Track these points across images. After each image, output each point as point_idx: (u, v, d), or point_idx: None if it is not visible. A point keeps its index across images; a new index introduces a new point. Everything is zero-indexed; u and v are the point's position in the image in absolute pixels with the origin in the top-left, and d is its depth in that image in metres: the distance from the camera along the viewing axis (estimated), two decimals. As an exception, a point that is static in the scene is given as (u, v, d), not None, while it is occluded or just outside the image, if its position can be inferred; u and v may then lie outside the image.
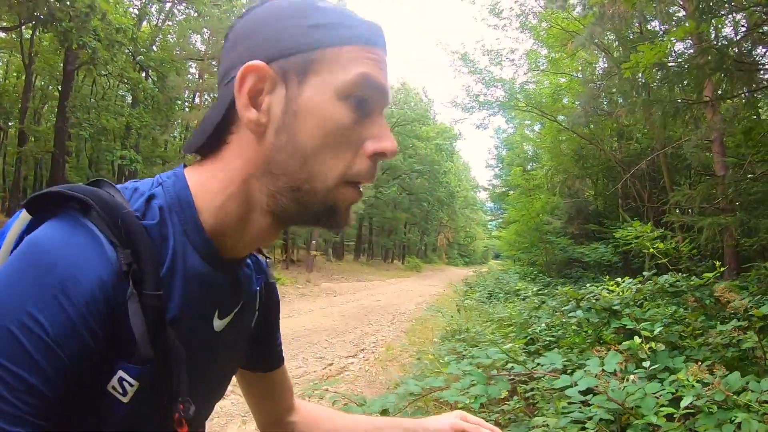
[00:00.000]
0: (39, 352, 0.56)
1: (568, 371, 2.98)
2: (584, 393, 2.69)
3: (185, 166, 0.81)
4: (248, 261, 0.92)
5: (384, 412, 2.99)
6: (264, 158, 0.75)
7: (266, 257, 1.03)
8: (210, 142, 0.79)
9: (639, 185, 14.73)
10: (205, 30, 26.26)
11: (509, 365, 3.45)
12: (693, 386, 2.46)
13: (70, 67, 19.90)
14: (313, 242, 30.28)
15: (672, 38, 7.38)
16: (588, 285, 5.15)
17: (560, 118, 18.61)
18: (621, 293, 4.50)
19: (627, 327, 3.90)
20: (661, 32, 11.23)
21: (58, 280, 0.59)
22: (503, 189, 39.33)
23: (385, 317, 14.62)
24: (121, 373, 0.64)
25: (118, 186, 0.75)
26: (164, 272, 0.70)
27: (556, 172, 20.41)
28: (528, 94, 20.80)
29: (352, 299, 19.48)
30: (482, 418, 2.90)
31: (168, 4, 25.84)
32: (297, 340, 10.40)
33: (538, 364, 3.22)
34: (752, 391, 2.33)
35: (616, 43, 13.23)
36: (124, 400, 0.65)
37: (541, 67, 20.76)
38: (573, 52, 15.69)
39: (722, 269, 4.35)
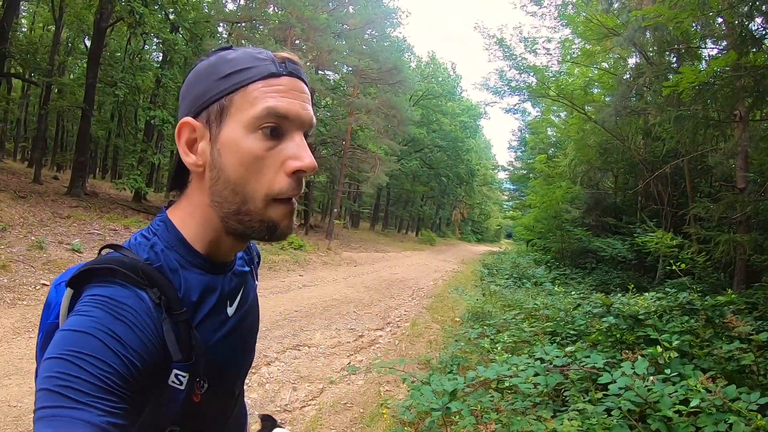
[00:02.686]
0: (116, 347, 0.77)
1: (607, 369, 3.55)
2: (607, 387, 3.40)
3: (166, 208, 1.04)
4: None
5: (452, 393, 3.52)
6: (209, 191, 0.94)
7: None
8: (181, 182, 1.02)
9: (661, 187, 14.90)
10: None
11: (557, 359, 3.96)
12: (699, 391, 3.18)
13: (104, 24, 19.53)
14: (335, 210, 30.54)
15: (714, 67, 7.71)
16: (619, 295, 5.69)
17: (588, 108, 18.65)
18: (645, 305, 5.12)
19: (650, 336, 4.52)
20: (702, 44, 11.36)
21: (122, 312, 0.81)
22: (523, 171, 39.30)
23: (405, 291, 15.26)
24: (175, 371, 0.88)
25: (126, 244, 0.97)
26: (182, 293, 0.93)
27: (579, 162, 20.29)
28: (560, 83, 20.75)
29: (372, 270, 20.12)
30: (528, 401, 3.64)
31: None
32: (328, 310, 11.05)
33: (580, 361, 3.80)
34: (743, 401, 3.04)
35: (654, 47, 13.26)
36: (182, 387, 0.90)
37: (574, 56, 20.65)
38: (609, 48, 15.88)
39: (733, 296, 4.91)
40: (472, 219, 78.83)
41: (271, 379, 6.46)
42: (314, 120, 0.98)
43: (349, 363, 7.64)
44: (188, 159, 0.95)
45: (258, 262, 1.34)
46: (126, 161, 24.04)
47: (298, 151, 0.92)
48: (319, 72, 30.49)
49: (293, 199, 0.95)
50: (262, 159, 0.90)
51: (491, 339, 6.90)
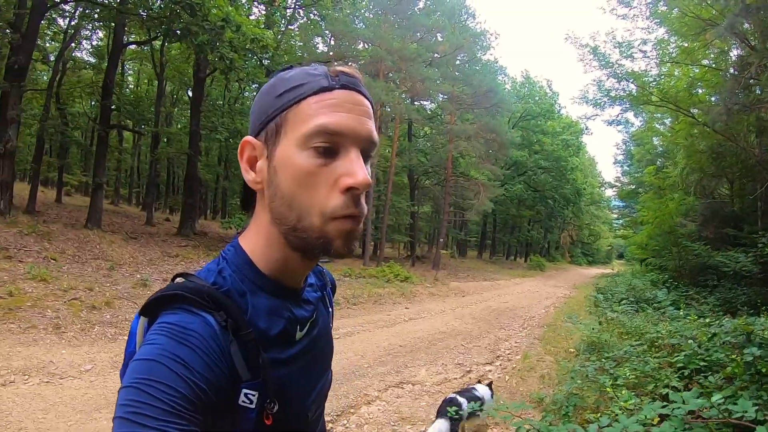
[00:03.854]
0: (182, 372, 0.78)
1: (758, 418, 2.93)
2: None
3: (239, 234, 1.07)
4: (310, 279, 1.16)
5: None
6: (269, 209, 0.96)
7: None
8: (250, 204, 1.05)
9: None
10: (327, 32, 27.17)
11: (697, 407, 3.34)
12: None
13: (201, 74, 21.36)
14: (441, 240, 30.31)
15: None
16: (762, 319, 4.89)
17: (694, 111, 17.58)
18: None
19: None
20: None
21: (187, 338, 0.83)
22: (632, 186, 37.76)
23: (515, 321, 14.61)
24: (245, 391, 0.89)
25: (197, 272, 0.99)
26: (249, 316, 0.94)
27: (691, 170, 19.15)
28: (661, 87, 19.69)
29: (480, 300, 19.51)
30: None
31: (290, 10, 26.71)
32: (434, 344, 10.64)
33: (729, 410, 3.12)
34: None
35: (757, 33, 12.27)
36: (252, 406, 0.90)
37: (672, 56, 19.42)
38: (708, 42, 14.89)
39: None
40: (582, 241, 76.38)
41: (371, 420, 6.14)
42: (375, 135, 0.95)
43: (455, 401, 7.21)
44: (248, 176, 0.99)
45: (333, 290, 1.35)
46: (232, 201, 25.20)
47: (351, 168, 0.90)
48: (415, 102, 30.63)
49: (357, 218, 0.92)
50: (314, 175, 0.90)
51: (610, 374, 6.23)
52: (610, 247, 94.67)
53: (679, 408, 3.04)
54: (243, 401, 0.90)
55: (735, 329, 5.04)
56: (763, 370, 4.24)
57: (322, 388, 1.18)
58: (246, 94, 31.61)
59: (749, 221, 16.34)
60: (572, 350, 10.27)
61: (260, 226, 1.00)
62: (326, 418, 5.80)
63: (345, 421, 5.95)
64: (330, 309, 1.27)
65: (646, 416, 3.12)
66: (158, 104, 25.11)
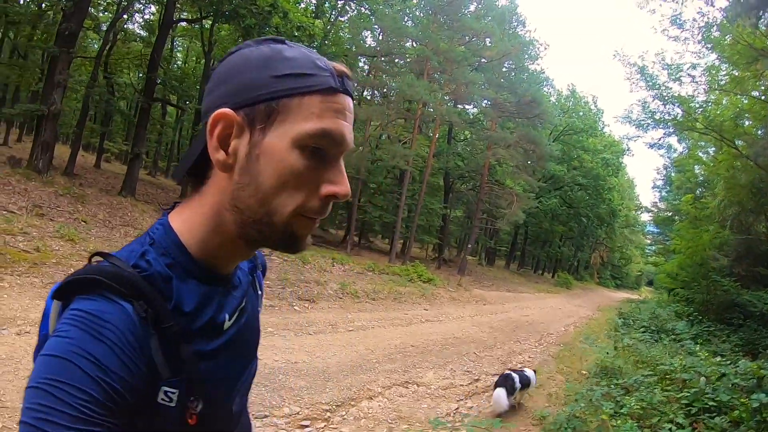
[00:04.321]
0: (95, 373, 0.71)
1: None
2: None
3: (168, 211, 0.96)
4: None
5: None
6: (231, 195, 0.86)
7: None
8: (195, 176, 0.92)
9: None
10: (376, 27, 27.01)
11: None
12: None
13: None
14: (469, 246, 30.15)
15: None
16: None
17: (739, 143, 17.18)
18: None
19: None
20: None
21: (102, 331, 0.75)
22: (668, 213, 37.10)
23: (533, 336, 14.47)
24: (164, 388, 0.81)
25: (117, 253, 0.87)
26: (173, 305, 0.85)
27: (729, 203, 18.84)
28: (707, 114, 19.28)
29: (501, 310, 19.39)
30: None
31: (341, 2, 26.76)
32: (447, 348, 10.61)
33: None
34: None
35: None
36: (172, 405, 0.83)
37: (721, 83, 18.98)
38: (760, 72, 14.54)
39: None
40: (612, 263, 75.00)
41: (369, 415, 6.13)
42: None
43: (456, 408, 7.16)
44: (218, 156, 0.86)
45: (264, 272, 1.24)
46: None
47: (339, 177, 0.88)
48: (458, 105, 30.46)
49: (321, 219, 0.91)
50: (301, 176, 0.84)
51: (617, 402, 6.14)
52: (640, 273, 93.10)
53: None
54: (163, 399, 0.83)
55: (746, 372, 4.89)
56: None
57: (247, 378, 1.10)
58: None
59: None
60: (584, 372, 10.13)
61: (207, 207, 0.90)
62: (325, 407, 5.86)
63: (343, 413, 5.97)
64: (260, 292, 1.17)
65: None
66: (204, 82, 25.31)
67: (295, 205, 0.84)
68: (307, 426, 5.42)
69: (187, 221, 0.91)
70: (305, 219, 0.87)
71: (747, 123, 18.25)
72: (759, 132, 16.50)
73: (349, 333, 10.01)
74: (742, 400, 4.67)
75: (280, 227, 0.86)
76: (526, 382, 7.25)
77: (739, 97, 18.00)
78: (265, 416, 5.38)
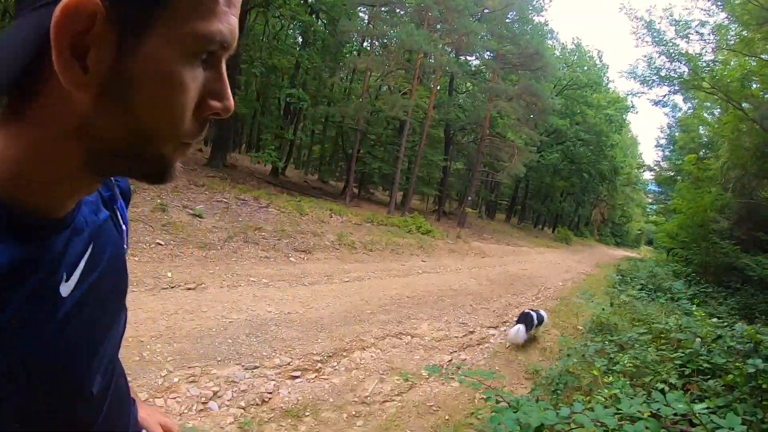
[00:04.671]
0: None
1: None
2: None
3: None
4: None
5: (538, 429, 2.96)
6: (81, 120, 0.59)
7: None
8: (11, 92, 0.60)
9: None
10: None
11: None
12: None
13: (243, 8, 20.70)
14: (469, 198, 30.02)
15: None
16: None
17: (745, 105, 16.95)
18: None
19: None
20: None
21: None
22: (671, 173, 36.95)
23: (530, 290, 14.46)
24: None
25: None
26: None
27: (733, 166, 18.77)
28: (714, 74, 18.95)
29: (500, 263, 19.35)
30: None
31: None
32: (442, 299, 10.55)
33: (715, 424, 2.83)
34: None
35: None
36: None
37: (730, 44, 18.61)
38: None
39: None
40: (613, 221, 75.17)
41: (360, 366, 6.09)
42: None
43: (450, 360, 7.15)
44: (68, 71, 0.54)
45: (127, 201, 0.95)
46: (263, 136, 25.21)
47: (223, 89, 0.66)
48: (459, 57, 29.95)
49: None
50: (187, 94, 0.61)
51: (610, 358, 6.09)
52: (640, 232, 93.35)
53: (665, 408, 2.84)
54: None
55: (744, 335, 4.79)
56: (764, 385, 4.03)
57: (112, 341, 0.83)
58: (290, 32, 31.15)
59: None
60: (580, 327, 10.14)
61: (34, 135, 0.59)
62: (317, 358, 5.81)
63: (335, 363, 5.92)
64: (123, 227, 0.89)
65: (623, 415, 2.95)
66: None
67: (177, 131, 0.63)
68: (297, 377, 5.38)
69: (3, 151, 0.60)
70: (181, 144, 0.66)
71: (755, 86, 17.90)
72: (766, 96, 16.21)
73: (345, 284, 9.94)
74: (737, 364, 4.59)
75: (152, 157, 0.64)
76: (540, 320, 8.86)
77: (747, 58, 17.62)
78: (255, 367, 5.33)
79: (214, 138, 20.62)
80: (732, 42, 18.44)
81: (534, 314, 8.64)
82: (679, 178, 31.56)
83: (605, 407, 2.90)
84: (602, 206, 66.14)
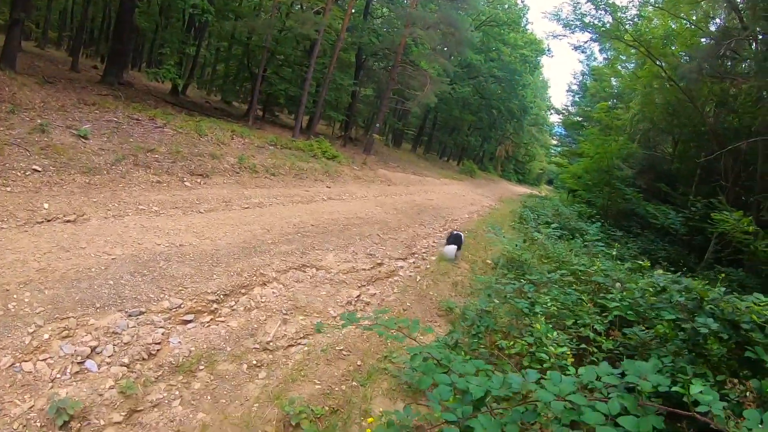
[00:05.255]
0: None
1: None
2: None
3: None
4: None
5: (479, 402, 2.44)
6: None
7: None
8: None
9: (730, 163, 13.67)
10: None
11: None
12: None
13: None
14: (377, 125, 29.33)
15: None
16: (719, 289, 4.29)
17: (661, 64, 17.23)
18: (758, 310, 3.81)
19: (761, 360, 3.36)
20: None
21: None
22: (579, 118, 37.81)
23: (437, 220, 14.20)
24: None
25: None
26: None
27: (642, 119, 19.32)
28: (637, 28, 19.07)
29: (406, 192, 19.07)
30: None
31: None
32: (349, 228, 10.02)
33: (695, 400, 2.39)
34: None
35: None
36: None
37: (658, 1, 18.75)
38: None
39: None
40: (516, 158, 76.97)
41: (261, 304, 5.46)
42: None
43: (358, 296, 6.62)
44: None
45: None
46: (163, 51, 23.25)
47: None
48: (378, -22, 28.76)
49: None
50: None
51: (529, 298, 5.74)
52: (541, 171, 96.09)
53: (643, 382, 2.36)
54: None
55: (689, 290, 4.45)
56: (713, 347, 3.72)
57: None
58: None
59: (684, 183, 16.62)
60: (489, 262, 9.92)
61: None
62: (211, 298, 5.15)
63: (232, 303, 5.26)
64: None
65: (582, 379, 2.47)
66: None
67: None
68: (189, 321, 4.70)
69: None
70: None
71: (673, 48, 18.14)
72: (684, 58, 16.42)
73: (244, 211, 9.15)
74: (671, 317, 4.28)
75: None
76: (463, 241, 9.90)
77: (672, 18, 17.77)
78: (141, 313, 4.58)
79: (110, 53, 18.62)
80: (658, 2, 18.49)
81: (462, 235, 9.80)
82: (586, 123, 32.30)
83: (564, 375, 2.39)
84: (507, 143, 67.24)
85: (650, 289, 5.12)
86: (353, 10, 26.17)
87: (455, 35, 28.28)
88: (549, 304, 5.39)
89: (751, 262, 11.15)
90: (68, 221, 6.29)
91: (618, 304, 5.01)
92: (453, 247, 9.42)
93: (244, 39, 26.61)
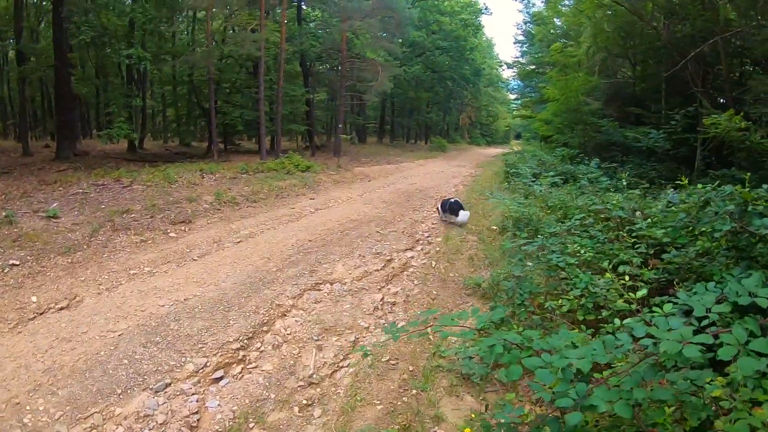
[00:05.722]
0: None
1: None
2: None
3: None
4: None
5: (586, 375, 2.13)
6: None
7: None
8: None
9: (696, 70, 13.41)
10: None
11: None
12: None
13: None
14: (339, 126, 29.03)
15: None
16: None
17: None
18: None
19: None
20: None
21: None
22: (532, 67, 37.70)
23: (428, 202, 13.89)
24: None
25: None
26: None
27: (597, 50, 19.12)
28: None
29: (388, 183, 18.71)
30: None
31: None
32: (347, 233, 9.67)
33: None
34: None
35: None
36: None
37: None
38: None
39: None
40: (480, 122, 76.99)
41: (289, 337, 5.12)
42: None
43: (382, 299, 6.30)
44: None
45: None
46: (110, 110, 22.64)
47: None
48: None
49: None
50: None
51: (560, 253, 5.44)
52: (507, 128, 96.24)
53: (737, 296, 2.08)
54: None
55: (733, 197, 4.13)
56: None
57: None
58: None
59: (653, 101, 16.47)
60: (494, 228, 9.66)
61: None
62: (235, 346, 4.78)
63: (259, 344, 4.91)
64: None
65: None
66: (18, 18, 20.82)
67: None
68: (221, 378, 4.33)
69: None
70: None
71: None
72: None
73: (238, 245, 8.74)
74: (709, 229, 4.00)
75: None
76: None
77: None
78: (167, 385, 4.21)
79: (57, 127, 18.29)
80: None
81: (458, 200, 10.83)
82: (540, 70, 32.05)
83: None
84: (468, 110, 67.10)
85: (693, 208, 4.80)
86: (286, 20, 25.78)
87: (394, 18, 28.03)
88: (582, 252, 5.10)
89: (747, 159, 11.00)
90: (61, 308, 5.86)
91: (664, 231, 4.73)
92: (467, 213, 10.63)
93: (186, 78, 26.18)
